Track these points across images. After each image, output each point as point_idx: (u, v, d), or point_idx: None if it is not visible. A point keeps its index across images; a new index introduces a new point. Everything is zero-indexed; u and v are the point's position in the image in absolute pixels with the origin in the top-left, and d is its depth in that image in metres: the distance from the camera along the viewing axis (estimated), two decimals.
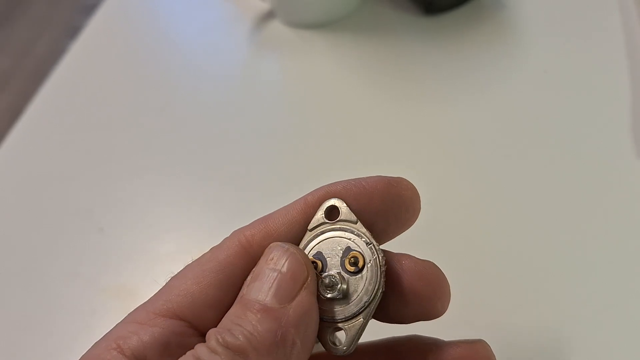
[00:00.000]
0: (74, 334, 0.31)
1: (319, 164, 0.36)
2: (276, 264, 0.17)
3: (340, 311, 0.18)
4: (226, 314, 0.17)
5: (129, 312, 0.18)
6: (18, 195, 0.39)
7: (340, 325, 0.18)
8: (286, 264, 0.17)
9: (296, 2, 0.44)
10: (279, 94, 0.41)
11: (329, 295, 0.17)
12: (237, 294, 0.17)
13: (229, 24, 0.48)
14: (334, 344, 0.17)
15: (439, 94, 0.38)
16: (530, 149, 0.33)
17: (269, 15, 0.47)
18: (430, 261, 0.19)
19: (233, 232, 0.19)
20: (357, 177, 0.20)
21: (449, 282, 0.19)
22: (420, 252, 0.20)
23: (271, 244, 0.18)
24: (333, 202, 0.18)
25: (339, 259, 0.18)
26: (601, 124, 0.33)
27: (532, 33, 0.40)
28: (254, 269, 0.18)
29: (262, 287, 0.17)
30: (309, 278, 0.17)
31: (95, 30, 0.53)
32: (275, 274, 0.17)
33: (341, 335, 0.18)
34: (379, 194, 0.19)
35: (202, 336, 0.17)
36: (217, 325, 0.17)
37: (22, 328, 0.32)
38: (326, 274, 0.18)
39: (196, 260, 0.18)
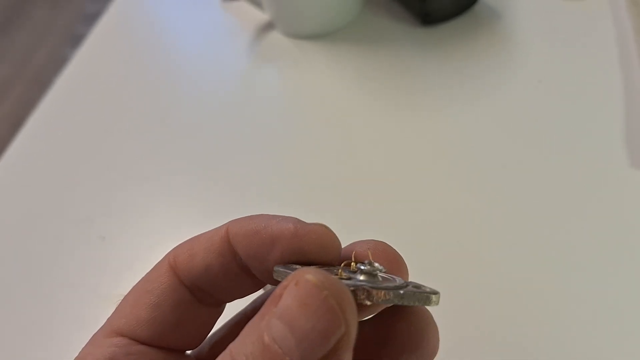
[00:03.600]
0: (75, 343, 0.31)
1: (317, 173, 0.36)
2: (309, 314, 0.14)
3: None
4: (240, 341, 0.15)
5: None
6: (19, 204, 0.40)
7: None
8: (321, 319, 0.14)
9: (295, 13, 0.45)
10: (278, 103, 0.42)
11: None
12: (167, 308, 0.18)
13: (230, 34, 0.49)
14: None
15: (435, 103, 0.38)
16: (525, 158, 0.34)
17: (268, 26, 0.48)
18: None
19: (166, 253, 0.19)
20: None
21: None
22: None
23: (307, 277, 0.14)
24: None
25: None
26: (595, 133, 0.34)
27: (527, 43, 0.40)
28: (280, 299, 0.15)
29: (287, 336, 0.14)
30: (346, 333, 0.14)
31: (97, 39, 0.53)
32: (307, 326, 0.14)
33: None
34: (282, 243, 0.18)
35: (141, 343, 0.18)
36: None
37: (23, 336, 0.32)
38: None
39: (137, 283, 0.19)
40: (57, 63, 1.73)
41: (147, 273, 0.19)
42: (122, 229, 0.36)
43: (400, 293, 0.16)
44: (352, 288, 0.15)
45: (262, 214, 0.19)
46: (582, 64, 0.38)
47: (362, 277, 0.17)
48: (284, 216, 0.18)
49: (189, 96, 0.44)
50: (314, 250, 0.18)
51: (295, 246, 0.18)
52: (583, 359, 0.26)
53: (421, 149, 0.36)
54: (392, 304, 0.15)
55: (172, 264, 0.19)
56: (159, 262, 0.19)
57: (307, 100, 0.41)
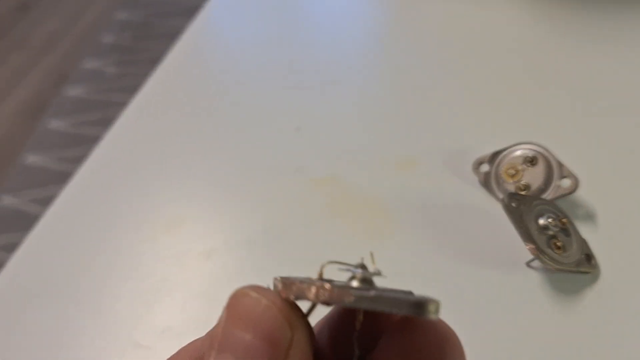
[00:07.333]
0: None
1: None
2: (247, 324, 0.12)
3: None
4: None
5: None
6: (99, 209, 0.41)
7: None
8: (261, 324, 0.12)
9: None
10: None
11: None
12: None
13: None
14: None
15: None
16: None
17: None
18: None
19: None
20: None
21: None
22: None
23: (236, 291, 0.13)
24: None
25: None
26: None
27: None
28: (213, 331, 0.13)
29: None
30: (295, 336, 0.13)
31: (175, 59, 0.54)
32: (247, 339, 0.12)
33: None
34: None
35: None
36: None
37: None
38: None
39: None
40: (105, 23, 1.75)
41: None
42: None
43: (369, 295, 0.13)
44: (312, 285, 0.13)
45: None
46: None
47: (354, 284, 0.15)
48: None
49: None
50: None
51: None
52: None
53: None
54: (371, 310, 0.13)
55: None
56: None
57: None
